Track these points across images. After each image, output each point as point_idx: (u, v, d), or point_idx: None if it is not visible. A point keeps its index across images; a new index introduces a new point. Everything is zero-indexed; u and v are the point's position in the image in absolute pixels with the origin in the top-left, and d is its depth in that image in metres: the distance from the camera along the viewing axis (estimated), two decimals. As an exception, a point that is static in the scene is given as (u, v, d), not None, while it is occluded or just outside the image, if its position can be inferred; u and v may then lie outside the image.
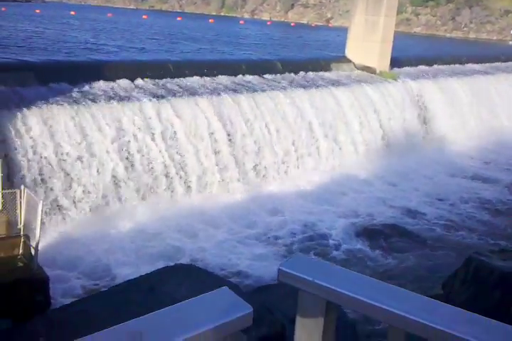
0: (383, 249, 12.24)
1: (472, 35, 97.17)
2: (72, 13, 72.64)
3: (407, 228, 13.55)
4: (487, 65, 29.74)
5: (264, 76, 18.57)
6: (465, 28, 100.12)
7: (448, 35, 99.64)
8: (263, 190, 14.72)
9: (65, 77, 13.70)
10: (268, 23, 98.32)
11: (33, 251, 8.47)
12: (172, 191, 13.27)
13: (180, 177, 13.47)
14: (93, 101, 12.81)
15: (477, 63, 28.95)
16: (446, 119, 22.14)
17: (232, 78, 17.44)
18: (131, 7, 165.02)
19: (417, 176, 17.50)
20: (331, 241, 12.50)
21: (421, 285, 10.35)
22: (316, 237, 12.64)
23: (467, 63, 28.28)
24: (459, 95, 23.45)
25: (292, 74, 19.55)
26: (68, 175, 11.51)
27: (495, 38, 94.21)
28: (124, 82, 14.61)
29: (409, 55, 28.63)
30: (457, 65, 27.51)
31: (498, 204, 15.85)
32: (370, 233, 13.01)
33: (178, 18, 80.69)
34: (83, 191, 11.65)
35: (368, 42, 22.19)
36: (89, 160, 11.87)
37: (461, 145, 21.25)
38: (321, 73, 20.80)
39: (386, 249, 12.29)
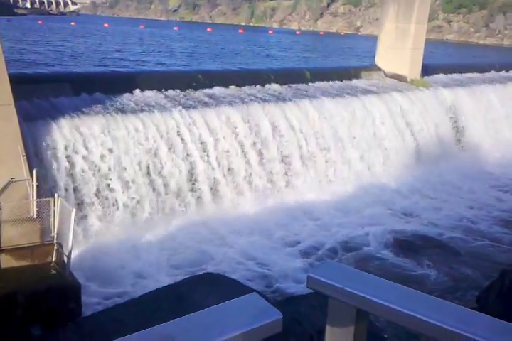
0: (414, 261, 11.97)
1: (507, 42, 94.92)
2: (106, 25, 74.68)
3: (440, 239, 13.22)
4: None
5: (293, 85, 18.57)
6: (499, 35, 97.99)
7: (481, 42, 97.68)
8: (296, 198, 14.64)
9: (98, 87, 14.03)
10: (297, 32, 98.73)
11: (65, 259, 8.64)
12: (202, 201, 13.36)
13: (211, 188, 13.57)
14: (125, 111, 13.05)
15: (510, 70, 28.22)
16: (479, 128, 21.63)
17: (261, 88, 17.51)
18: (162, 19, 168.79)
19: (449, 187, 17.08)
20: (364, 251, 12.32)
21: (454, 299, 10.08)
22: (349, 246, 12.50)
23: (501, 70, 27.61)
24: (493, 103, 22.90)
25: (321, 83, 19.50)
26: (101, 184, 11.73)
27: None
28: (154, 93, 14.85)
29: (441, 63, 28.23)
30: (491, 72, 26.90)
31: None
32: (403, 244, 12.75)
33: (208, 30, 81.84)
34: (114, 201, 11.84)
35: (398, 50, 21.96)
36: (121, 171, 12.06)
37: (495, 154, 20.69)
38: (350, 82, 20.68)
39: (416, 260, 12.01)
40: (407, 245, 12.70)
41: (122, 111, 13.05)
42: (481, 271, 11.34)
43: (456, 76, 24.90)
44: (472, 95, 22.29)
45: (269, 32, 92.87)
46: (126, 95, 14.26)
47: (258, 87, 17.43)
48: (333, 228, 13.44)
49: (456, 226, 14.26)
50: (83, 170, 11.44)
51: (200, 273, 9.56)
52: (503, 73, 27.46)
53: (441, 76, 24.06)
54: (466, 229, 14.15)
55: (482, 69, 26.96)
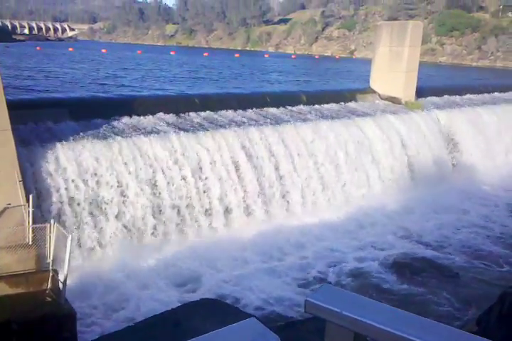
0: (413, 283, 11.86)
1: (499, 64, 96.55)
2: (104, 50, 75.69)
3: (439, 261, 13.13)
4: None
5: (289, 108, 18.74)
6: (492, 57, 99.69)
7: (474, 64, 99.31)
8: (290, 221, 14.59)
9: (95, 112, 14.15)
10: (293, 56, 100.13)
11: (61, 286, 8.52)
12: (199, 225, 13.29)
13: (206, 211, 13.50)
14: (121, 135, 13.10)
15: (504, 92, 28.62)
16: (474, 149, 21.77)
17: (257, 110, 17.67)
18: (160, 44, 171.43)
19: (446, 208, 17.06)
20: (363, 273, 12.21)
21: (454, 322, 9.95)
22: (346, 268, 12.38)
23: (494, 92, 27.99)
24: (487, 124, 23.11)
25: (317, 106, 19.69)
26: (98, 209, 11.68)
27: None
28: (151, 117, 14.96)
29: (435, 85, 28.58)
30: (484, 95, 27.25)
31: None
32: (400, 266, 12.65)
33: (205, 54, 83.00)
34: (112, 226, 11.76)
35: (392, 73, 22.27)
36: (119, 195, 12.03)
37: (491, 175, 20.76)
38: (346, 104, 20.89)
39: (416, 283, 11.90)
40: (406, 267, 12.59)
41: (120, 135, 13.10)
42: (480, 292, 11.22)
43: (450, 98, 25.22)
44: (466, 117, 22.51)
45: (265, 56, 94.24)
46: (124, 120, 14.36)
47: (254, 109, 17.60)
48: (333, 250, 13.34)
49: (454, 247, 14.19)
50: (80, 196, 11.40)
51: (197, 298, 9.43)
52: (496, 94, 27.84)
53: (435, 98, 24.36)
54: (465, 250, 14.07)
55: (476, 90, 27.35)
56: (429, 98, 23.95)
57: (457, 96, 25.69)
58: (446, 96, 25.15)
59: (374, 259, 12.96)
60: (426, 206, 16.89)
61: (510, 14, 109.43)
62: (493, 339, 1.90)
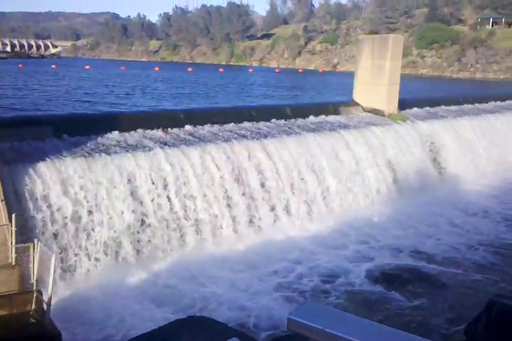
0: (402, 294, 11.85)
1: (479, 75, 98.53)
2: (87, 67, 75.66)
3: (426, 272, 13.16)
4: (496, 103, 30.00)
5: (274, 121, 18.85)
6: (471, 69, 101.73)
7: (455, 75, 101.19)
8: (276, 235, 14.56)
9: (79, 129, 14.07)
10: (276, 70, 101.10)
11: (45, 307, 8.35)
12: (184, 241, 13.18)
13: (194, 226, 13.42)
14: (106, 152, 13.02)
15: (484, 102, 29.20)
16: (457, 158, 22.06)
17: (242, 124, 17.74)
18: (143, 59, 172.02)
19: (432, 218, 17.18)
20: (347, 286, 12.16)
21: (442, 332, 9.96)
22: (331, 281, 12.33)
23: (474, 103, 28.54)
24: (469, 134, 23.48)
25: (301, 119, 19.84)
26: (81, 228, 11.53)
27: (502, 76, 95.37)
28: (136, 133, 14.92)
29: (417, 97, 29.07)
30: (465, 105, 27.75)
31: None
32: (388, 277, 12.65)
33: (189, 69, 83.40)
34: (95, 244, 11.61)
35: (375, 86, 22.58)
36: (103, 213, 11.90)
37: (474, 183, 21.03)
38: (330, 117, 21.08)
39: (404, 294, 11.89)
40: (393, 278, 12.59)
41: (104, 152, 13.02)
42: (468, 302, 11.24)
43: (432, 109, 25.63)
44: (448, 127, 22.86)
45: (250, 70, 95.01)
46: (108, 136, 14.29)
47: (239, 124, 17.66)
48: (318, 262, 13.29)
49: (441, 257, 14.25)
50: (63, 214, 11.25)
51: (185, 316, 9.31)
52: (477, 105, 28.38)
53: (417, 110, 24.76)
54: (452, 259, 14.14)
55: (457, 102, 27.84)
56: (412, 110, 24.30)
57: (439, 108, 26.14)
58: (428, 108, 25.56)
59: (361, 271, 12.93)
60: (410, 217, 16.97)
61: (488, 26, 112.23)
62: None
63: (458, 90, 49.98)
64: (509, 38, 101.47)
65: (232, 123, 17.55)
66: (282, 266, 12.93)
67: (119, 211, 12.10)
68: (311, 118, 20.27)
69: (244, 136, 16.34)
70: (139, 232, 12.41)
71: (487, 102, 29.57)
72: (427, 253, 14.40)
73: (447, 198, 18.93)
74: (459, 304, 11.36)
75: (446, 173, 21.35)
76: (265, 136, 16.67)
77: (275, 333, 9.50)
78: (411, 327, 10.11)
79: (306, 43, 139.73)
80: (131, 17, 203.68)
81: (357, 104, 23.10)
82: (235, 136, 16.29)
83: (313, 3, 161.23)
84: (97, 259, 11.54)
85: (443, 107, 26.44)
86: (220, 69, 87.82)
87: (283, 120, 19.19)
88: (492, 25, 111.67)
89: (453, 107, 26.85)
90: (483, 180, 21.62)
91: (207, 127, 16.77)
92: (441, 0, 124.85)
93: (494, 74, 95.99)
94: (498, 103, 30.43)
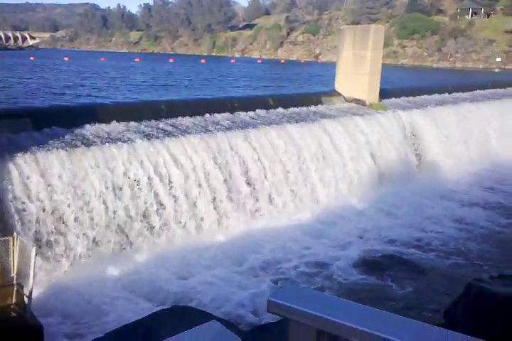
0: (383, 279, 12.06)
1: (459, 65, 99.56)
2: (66, 59, 74.42)
3: (406, 258, 13.38)
4: (475, 92, 30.37)
5: (257, 112, 18.82)
6: (451, 58, 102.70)
7: (435, 65, 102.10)
8: (259, 224, 14.65)
9: (58, 121, 13.85)
10: (258, 60, 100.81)
11: (26, 300, 8.30)
12: (168, 234, 13.15)
13: (177, 219, 13.39)
14: (86, 144, 12.88)
15: (464, 92, 29.55)
16: (437, 147, 22.35)
17: (225, 115, 17.68)
18: (124, 50, 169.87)
19: (413, 206, 17.44)
20: (328, 271, 12.32)
21: (422, 314, 10.17)
22: (314, 267, 12.47)
23: (453, 92, 28.86)
24: (448, 123, 23.78)
25: (284, 110, 19.85)
26: (61, 221, 11.42)
27: (481, 66, 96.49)
28: (116, 124, 14.76)
29: (398, 86, 29.26)
30: (445, 94, 28.05)
31: (493, 229, 15.81)
32: (370, 263, 12.84)
33: (171, 60, 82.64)
34: (77, 237, 11.53)
35: (356, 76, 22.68)
36: (83, 206, 11.80)
37: (454, 171, 21.36)
38: (312, 107, 21.13)
39: (386, 279, 12.10)
40: (374, 264, 12.78)
41: (85, 144, 12.87)
42: (447, 286, 11.47)
43: (412, 99, 25.87)
44: (428, 116, 23.10)
45: (232, 61, 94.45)
46: (88, 127, 14.11)
47: (223, 114, 17.60)
48: (301, 250, 13.42)
49: (421, 243, 14.50)
50: (42, 207, 11.13)
51: (168, 306, 9.32)
52: (455, 94, 28.70)
53: (398, 99, 24.95)
54: (432, 245, 14.39)
55: (437, 91, 28.14)
56: (392, 99, 24.50)
57: (419, 97, 26.39)
58: (409, 97, 25.79)
59: (342, 257, 13.09)
60: (393, 205, 17.20)
61: (467, 17, 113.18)
62: (459, 331, 1.95)
63: (438, 79, 50.43)
64: (488, 28, 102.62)
65: (214, 114, 17.47)
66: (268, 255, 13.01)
67: (100, 204, 12.00)
68: (293, 108, 20.29)
69: (226, 127, 16.30)
70: (120, 225, 12.34)
71: (466, 91, 29.92)
72: (407, 240, 14.63)
73: (428, 186, 19.23)
74: (439, 288, 11.59)
75: (426, 161, 21.62)
76: (247, 126, 16.65)
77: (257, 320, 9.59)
78: (394, 309, 10.29)
79: (288, 34, 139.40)
80: (111, 8, 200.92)
81: (339, 94, 23.19)
82: (218, 126, 16.24)
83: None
84: (76, 252, 11.45)
85: (423, 96, 26.71)
86: (202, 60, 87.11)
87: (265, 110, 19.16)
88: (471, 16, 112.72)
89: (433, 96, 27.12)
90: (463, 168, 21.97)
91: (188, 118, 16.65)
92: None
93: (473, 63, 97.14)
94: (479, 91, 30.83)
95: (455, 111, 24.74)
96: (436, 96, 27.35)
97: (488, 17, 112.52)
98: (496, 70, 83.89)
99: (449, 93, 28.57)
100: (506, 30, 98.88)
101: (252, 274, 11.99)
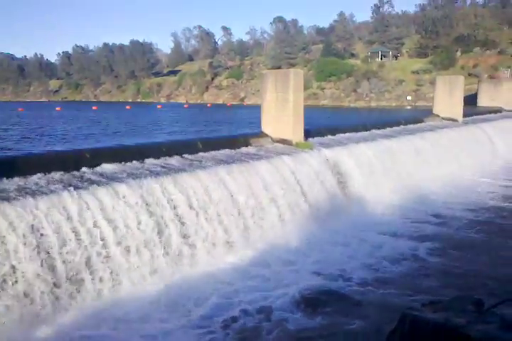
0: (321, 316, 12.13)
1: (373, 104, 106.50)
2: (-19, 109, 71.13)
3: (341, 292, 13.60)
4: (391, 129, 32.51)
5: (186, 156, 18.88)
6: (367, 98, 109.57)
7: (352, 105, 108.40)
8: (192, 270, 14.38)
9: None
10: (185, 106, 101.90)
11: None
12: (96, 289, 12.55)
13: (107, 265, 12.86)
14: (6, 199, 12.21)
15: (380, 129, 31.59)
16: (361, 181, 23.39)
17: (154, 161, 17.56)
18: (43, 100, 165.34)
19: (346, 238, 17.95)
20: (266, 313, 12.23)
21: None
22: (253, 311, 12.33)
23: (371, 129, 30.76)
24: (369, 158, 25.10)
25: (213, 152, 20.08)
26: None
27: (394, 104, 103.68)
28: (39, 176, 14.18)
29: (321, 126, 30.67)
30: (364, 132, 29.78)
31: (416, 257, 16.55)
32: (307, 301, 12.92)
33: (94, 108, 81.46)
34: (4, 295, 10.71)
35: (281, 117, 23.61)
36: (9, 262, 11.06)
37: (379, 203, 22.35)
38: (241, 149, 21.56)
39: (324, 315, 12.19)
40: (312, 302, 12.86)
41: (4, 198, 12.21)
42: (383, 317, 11.74)
43: (335, 137, 27.19)
44: (350, 152, 24.28)
45: (158, 106, 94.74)
46: (3, 180, 13.40)
47: (151, 159, 17.47)
48: (237, 292, 13.27)
49: (357, 276, 14.82)
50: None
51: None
52: (374, 131, 30.56)
53: (322, 138, 26.12)
54: (369, 277, 14.74)
55: (356, 129, 29.80)
56: (316, 138, 25.58)
57: (341, 135, 27.79)
58: (331, 136, 27.10)
59: (279, 296, 13.08)
60: (325, 240, 17.59)
61: (377, 59, 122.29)
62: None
63: (356, 118, 53.46)
64: (397, 69, 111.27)
65: (142, 160, 17.31)
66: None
67: (26, 257, 11.30)
68: (223, 151, 20.59)
69: (156, 172, 16.16)
70: (50, 279, 11.65)
71: (382, 129, 31.97)
72: (342, 273, 14.91)
73: (354, 218, 19.97)
74: (376, 319, 11.82)
75: (352, 195, 22.49)
76: (177, 171, 16.61)
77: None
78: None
79: (212, 79, 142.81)
80: (28, 57, 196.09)
81: (266, 135, 23.91)
82: (146, 172, 16.07)
83: (217, 40, 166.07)
84: (7, 310, 10.61)
85: (344, 134, 28.16)
86: (127, 107, 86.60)
87: (195, 154, 19.28)
88: (381, 58, 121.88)
89: (353, 134, 28.68)
90: (387, 199, 23.05)
91: (115, 165, 16.36)
92: (334, 36, 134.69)
93: (387, 102, 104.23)
94: (394, 128, 33.01)
95: (374, 147, 26.21)
96: (356, 133, 28.95)
97: (396, 59, 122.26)
98: (408, 107, 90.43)
99: (367, 130, 30.35)
100: (413, 71, 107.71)
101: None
